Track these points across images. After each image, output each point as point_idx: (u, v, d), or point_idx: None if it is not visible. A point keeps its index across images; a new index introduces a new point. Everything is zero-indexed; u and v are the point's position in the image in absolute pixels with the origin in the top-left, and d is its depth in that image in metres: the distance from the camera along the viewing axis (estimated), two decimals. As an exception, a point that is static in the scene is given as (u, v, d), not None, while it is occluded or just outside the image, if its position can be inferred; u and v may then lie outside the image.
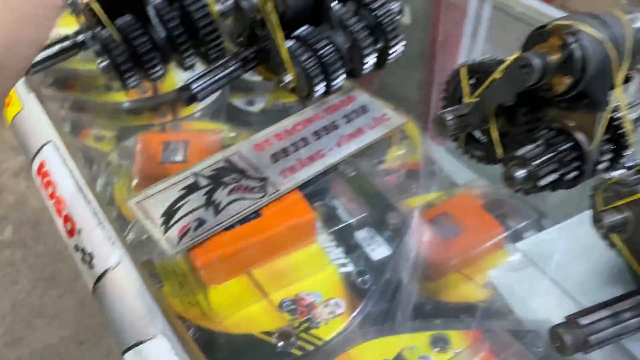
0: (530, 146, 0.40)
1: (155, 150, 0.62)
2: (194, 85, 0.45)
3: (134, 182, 0.60)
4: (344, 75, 0.50)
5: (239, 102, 0.73)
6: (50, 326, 1.26)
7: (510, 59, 0.43)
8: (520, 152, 0.40)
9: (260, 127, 0.71)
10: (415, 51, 0.95)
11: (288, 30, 0.48)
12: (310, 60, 0.46)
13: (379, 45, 0.51)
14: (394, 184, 0.63)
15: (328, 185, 0.50)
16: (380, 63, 0.53)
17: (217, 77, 0.46)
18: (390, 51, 0.51)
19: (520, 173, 0.39)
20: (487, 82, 0.43)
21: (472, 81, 0.46)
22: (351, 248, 0.47)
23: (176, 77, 0.70)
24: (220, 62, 0.47)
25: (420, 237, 0.53)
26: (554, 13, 0.74)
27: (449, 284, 0.52)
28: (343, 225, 0.48)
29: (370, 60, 0.50)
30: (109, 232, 0.42)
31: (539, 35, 0.38)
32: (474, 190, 0.61)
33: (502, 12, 0.82)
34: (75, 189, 0.47)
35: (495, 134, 0.44)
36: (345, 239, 0.47)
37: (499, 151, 0.45)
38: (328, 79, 0.48)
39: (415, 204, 0.63)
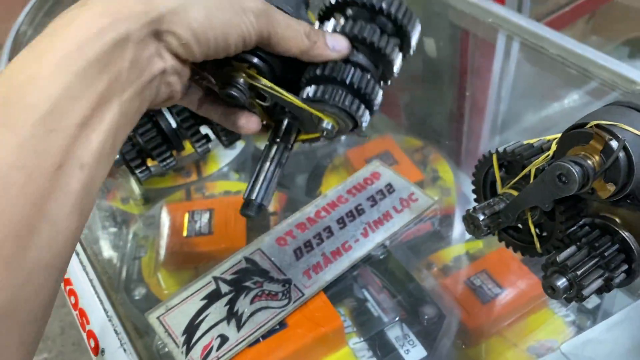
0: (571, 249, 0.37)
1: (180, 222, 0.61)
2: (254, 196, 0.40)
3: (161, 257, 0.59)
4: (381, 91, 0.41)
5: (262, 145, 0.70)
6: None
7: (542, 156, 0.39)
8: (561, 257, 0.36)
9: (286, 170, 0.69)
10: (444, 83, 0.91)
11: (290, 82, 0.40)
12: (339, 94, 0.38)
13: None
14: (429, 232, 0.60)
15: (356, 275, 0.48)
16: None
17: (269, 175, 0.41)
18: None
19: (563, 282, 0.36)
20: (519, 176, 0.40)
21: (503, 172, 0.42)
22: (384, 350, 0.44)
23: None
24: (262, 157, 0.42)
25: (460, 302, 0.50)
26: (588, 53, 0.70)
27: (489, 350, 0.50)
28: (374, 324, 0.45)
29: (397, 59, 0.41)
30: (132, 356, 0.41)
31: (576, 136, 0.35)
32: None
33: (532, 50, 0.78)
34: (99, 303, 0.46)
35: (533, 229, 0.41)
36: (378, 339, 0.45)
37: (539, 246, 0.42)
38: (367, 100, 0.40)
39: (451, 255, 0.60)
